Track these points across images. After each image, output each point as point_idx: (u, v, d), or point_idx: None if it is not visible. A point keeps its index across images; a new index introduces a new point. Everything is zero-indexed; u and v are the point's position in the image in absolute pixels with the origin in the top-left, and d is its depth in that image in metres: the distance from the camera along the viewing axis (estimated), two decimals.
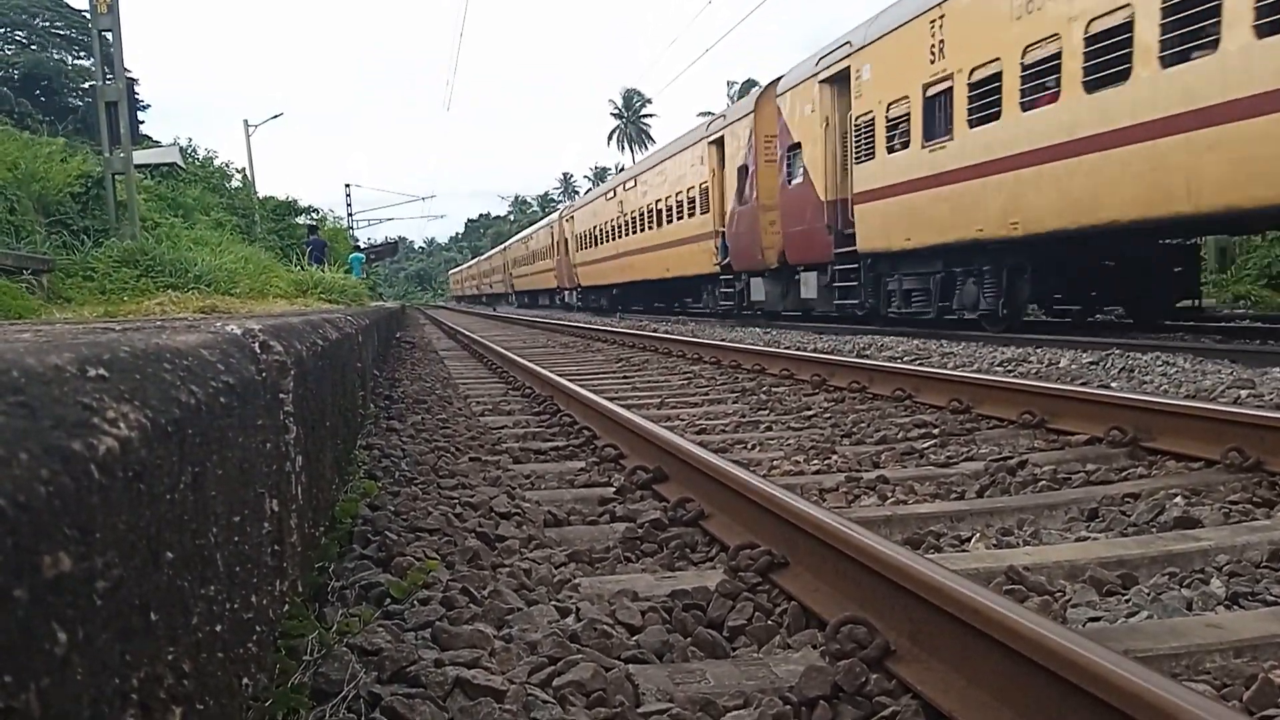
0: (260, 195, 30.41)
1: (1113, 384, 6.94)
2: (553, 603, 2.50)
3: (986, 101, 11.92)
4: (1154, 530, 3.14)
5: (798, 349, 10.80)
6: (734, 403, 6.85)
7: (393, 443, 5.02)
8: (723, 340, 12.51)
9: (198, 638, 1.03)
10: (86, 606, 0.72)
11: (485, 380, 9.25)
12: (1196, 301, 13.79)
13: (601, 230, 34.90)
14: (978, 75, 12.15)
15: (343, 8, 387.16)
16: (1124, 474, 3.98)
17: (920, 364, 8.50)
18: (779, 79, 18.94)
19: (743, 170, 20.22)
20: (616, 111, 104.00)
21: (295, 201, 31.92)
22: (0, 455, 0.66)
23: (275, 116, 45.67)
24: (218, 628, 1.13)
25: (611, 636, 2.23)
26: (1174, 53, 9.15)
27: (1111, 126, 9.83)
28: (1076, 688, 1.53)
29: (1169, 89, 9.14)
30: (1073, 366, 8.23)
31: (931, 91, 13.23)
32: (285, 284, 14.82)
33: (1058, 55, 10.63)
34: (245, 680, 1.28)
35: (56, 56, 46.93)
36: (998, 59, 11.67)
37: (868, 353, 10.56)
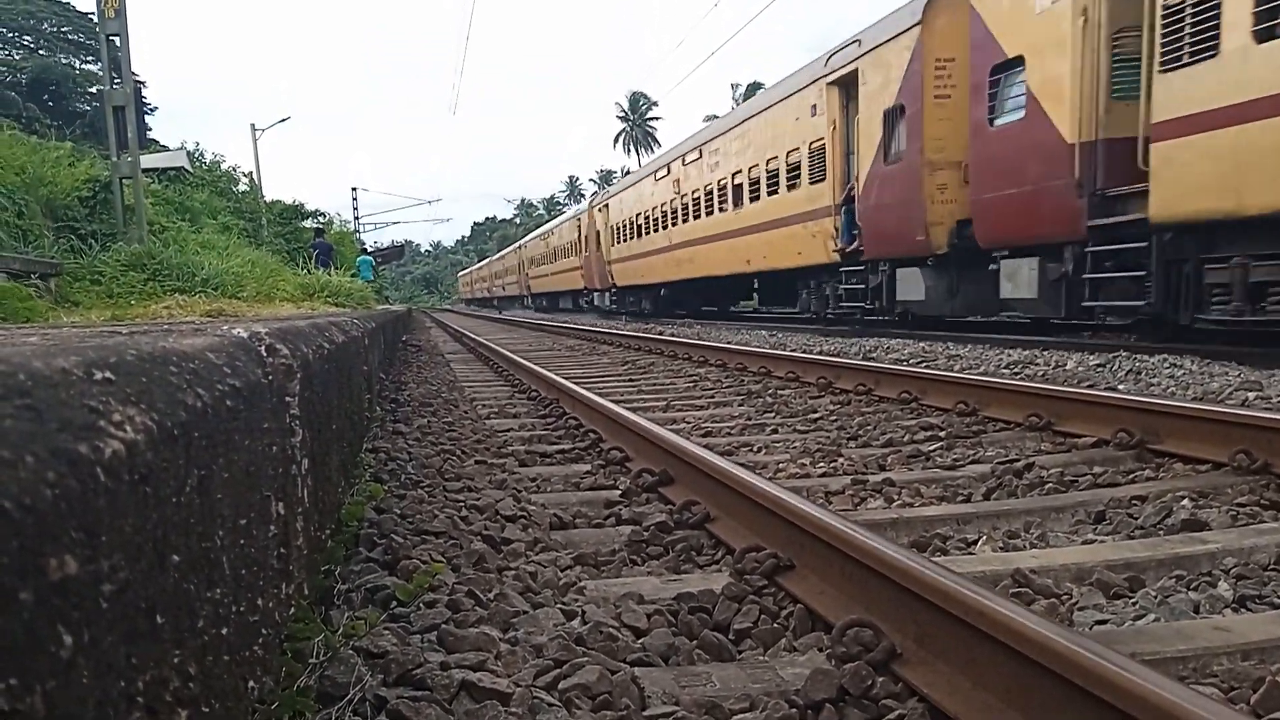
0: (267, 199, 30.47)
1: (1120, 386, 6.92)
2: (558, 606, 2.50)
3: None
4: (1161, 533, 3.13)
5: (804, 351, 10.79)
6: (740, 405, 6.85)
7: (399, 445, 5.03)
8: (728, 343, 12.49)
9: (204, 640, 1.03)
10: (92, 609, 0.72)
11: (491, 383, 9.25)
12: None
13: (648, 218, 29.20)
14: None
15: (349, 10, 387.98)
16: (1131, 476, 3.97)
17: (926, 366, 8.49)
18: None
19: (892, 115, 13.93)
20: (622, 114, 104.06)
21: (302, 205, 31.94)
22: (6, 458, 0.66)
23: (282, 120, 45.84)
24: (224, 630, 1.13)
25: (617, 639, 2.23)
26: None
27: None
28: (1083, 691, 1.52)
29: None
30: (1079, 369, 8.22)
31: None
32: (292, 287, 14.85)
33: None
34: (251, 683, 1.28)
35: (64, 61, 47.08)
36: None
37: (874, 355, 10.55)
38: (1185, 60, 8.64)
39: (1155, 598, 2.49)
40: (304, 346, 2.15)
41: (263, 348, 1.70)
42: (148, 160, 18.33)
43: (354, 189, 61.73)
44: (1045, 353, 9.72)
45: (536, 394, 7.48)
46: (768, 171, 19.41)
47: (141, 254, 11.74)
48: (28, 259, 9.92)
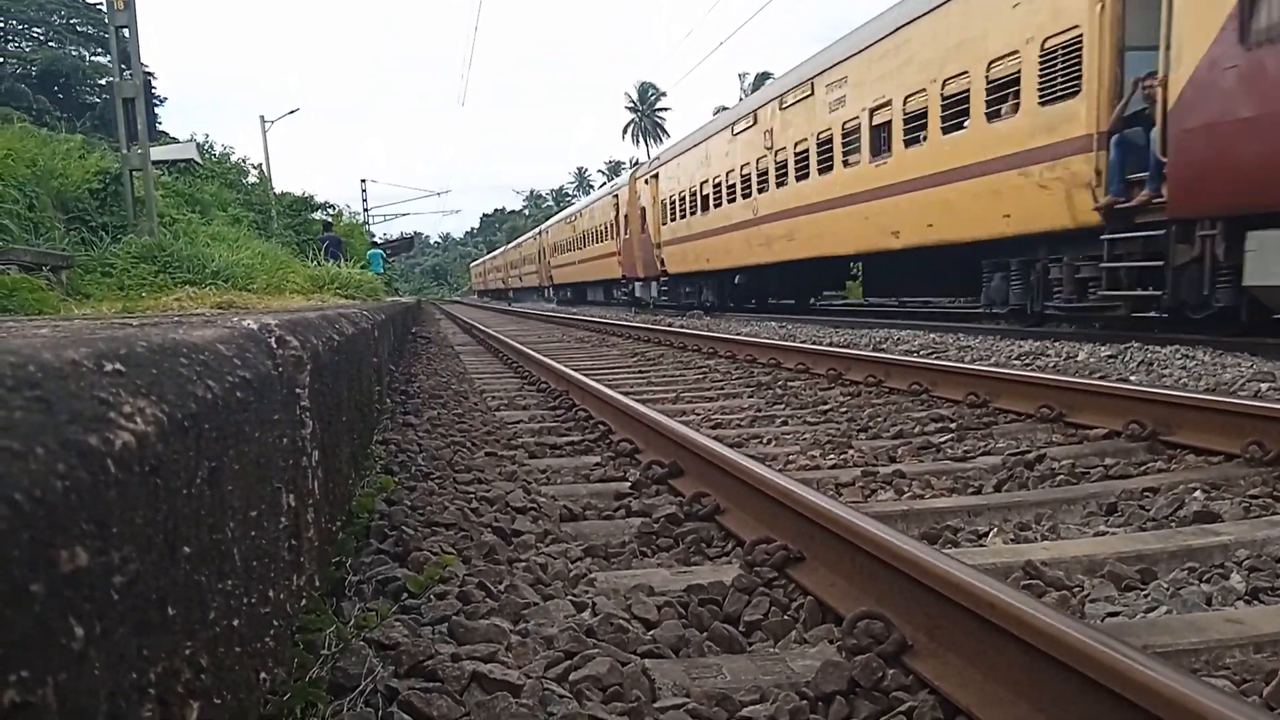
0: (277, 191, 30.52)
1: (1131, 377, 6.89)
2: (569, 597, 2.50)
3: None
4: (1173, 525, 3.12)
5: (813, 343, 10.77)
6: (749, 397, 6.84)
7: (409, 437, 5.04)
8: (738, 335, 12.48)
9: (215, 632, 1.03)
10: (103, 601, 0.72)
11: (501, 375, 9.26)
12: None
13: (718, 186, 23.28)
14: None
15: (358, 2, 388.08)
16: (1143, 468, 3.96)
17: (937, 358, 8.47)
18: None
19: None
20: (631, 105, 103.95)
21: (312, 197, 31.97)
22: (17, 449, 0.66)
23: (292, 112, 45.86)
24: (235, 622, 1.13)
25: (628, 631, 2.23)
26: None
27: None
28: (1095, 683, 1.52)
29: None
30: (1091, 360, 8.18)
31: None
32: (302, 279, 14.89)
33: None
34: (263, 674, 1.28)
35: (74, 53, 47.20)
36: None
37: (884, 347, 10.52)
38: None
39: (1167, 590, 2.48)
40: (314, 338, 2.15)
41: (273, 339, 1.70)
42: (158, 152, 18.37)
43: (363, 181, 61.61)
44: (1056, 344, 9.68)
45: (546, 386, 7.49)
46: (944, 98, 13.17)
47: (152, 246, 11.78)
48: (39, 251, 9.94)
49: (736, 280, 24.06)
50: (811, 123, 17.77)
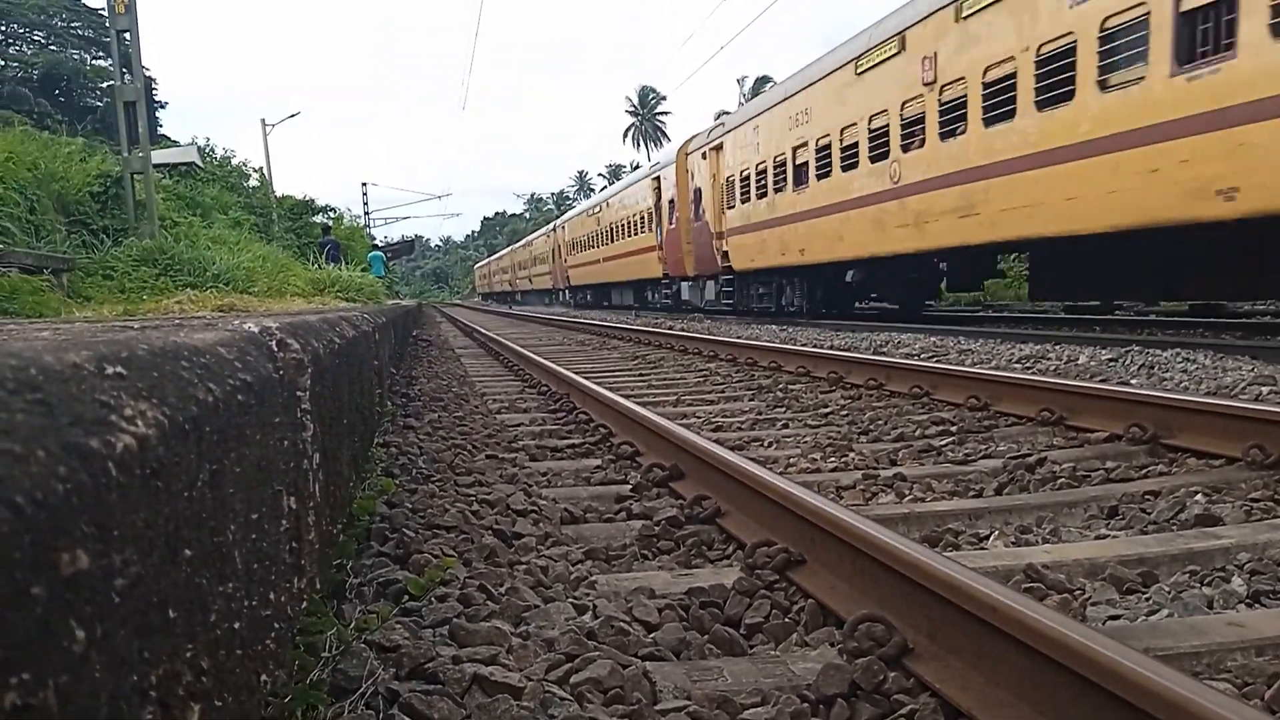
0: (278, 194, 30.54)
1: (1132, 381, 6.89)
2: (570, 600, 2.50)
3: None
4: (1174, 528, 3.11)
5: (814, 346, 10.77)
6: (750, 400, 6.84)
7: (410, 440, 5.04)
8: (739, 338, 12.49)
9: (216, 635, 1.03)
10: (104, 604, 0.72)
11: (501, 378, 9.26)
12: None
13: (824, 149, 16.97)
14: None
15: (359, 6, 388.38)
16: (1144, 471, 3.95)
17: (938, 361, 8.47)
18: None
19: None
20: (632, 109, 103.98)
21: (313, 200, 32.00)
22: (18, 452, 0.66)
23: (292, 115, 45.90)
24: (236, 625, 1.13)
25: (629, 634, 2.23)
26: None
27: None
28: (1097, 686, 1.52)
29: None
30: (1091, 363, 8.18)
31: None
32: (303, 282, 14.90)
33: None
34: (264, 677, 1.28)
35: (75, 56, 47.26)
36: None
37: (884, 350, 10.52)
38: None
39: (1168, 593, 2.48)
40: (315, 341, 2.15)
41: (274, 342, 1.70)
42: (159, 156, 18.38)
43: (364, 184, 61.62)
44: (1057, 347, 9.67)
45: (547, 389, 7.49)
46: None
47: (153, 249, 11.79)
48: (40, 254, 9.95)
49: (850, 277, 16.89)
50: (1026, 30, 11.31)
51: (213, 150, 30.05)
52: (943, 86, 13.27)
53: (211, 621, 1.02)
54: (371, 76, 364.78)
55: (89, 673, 0.68)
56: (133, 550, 0.79)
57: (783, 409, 6.27)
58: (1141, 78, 9.62)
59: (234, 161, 30.28)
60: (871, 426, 5.32)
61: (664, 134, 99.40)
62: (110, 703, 0.72)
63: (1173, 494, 3.47)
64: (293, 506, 1.62)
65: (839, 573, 2.44)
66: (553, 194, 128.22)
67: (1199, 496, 3.42)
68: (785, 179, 18.80)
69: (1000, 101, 11.94)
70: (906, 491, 3.77)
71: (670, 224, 27.08)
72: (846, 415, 5.80)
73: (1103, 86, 10.16)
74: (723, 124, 23.24)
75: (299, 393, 1.80)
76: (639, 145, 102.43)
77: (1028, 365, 8.32)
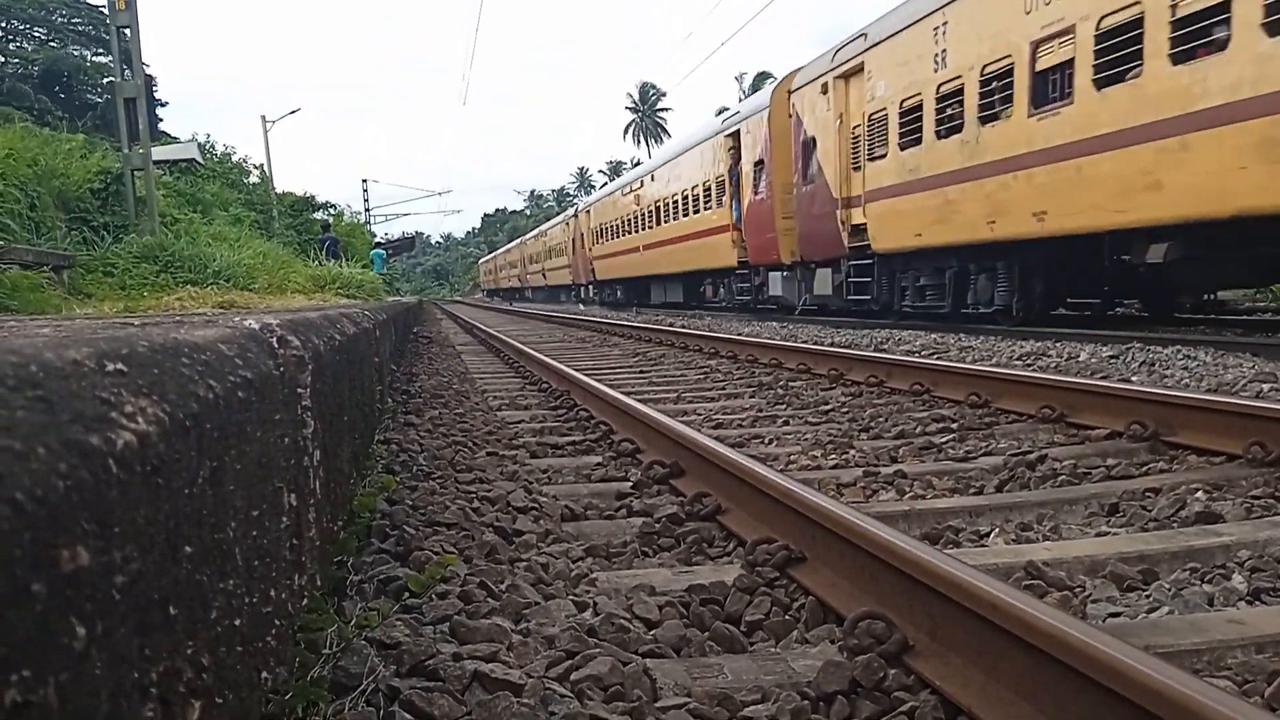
0: (278, 191, 30.54)
1: (1133, 378, 6.89)
2: (570, 597, 2.50)
3: None
4: (1175, 525, 3.11)
5: (815, 343, 10.76)
6: (750, 397, 6.84)
7: (410, 437, 5.04)
8: (739, 335, 12.48)
9: (217, 631, 1.03)
10: (105, 601, 0.72)
11: (502, 375, 9.26)
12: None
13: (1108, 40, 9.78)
14: None
15: (358, 2, 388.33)
16: (1145, 468, 3.95)
17: (938, 358, 8.47)
18: None
19: None
20: (632, 105, 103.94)
21: (313, 197, 31.98)
22: (18, 449, 0.66)
23: (293, 112, 45.98)
24: (237, 621, 1.13)
25: (629, 631, 2.23)
26: None
27: None
28: (1097, 683, 1.52)
29: None
30: (1092, 360, 8.18)
31: None
32: (303, 279, 14.92)
33: None
34: (265, 674, 1.28)
35: (75, 53, 47.19)
36: None
37: (885, 347, 10.52)
38: None
39: (1169, 590, 2.48)
40: (315, 338, 2.15)
41: (274, 339, 1.70)
42: (159, 152, 18.39)
43: (364, 180, 61.58)
44: (1058, 344, 9.67)
45: (547, 386, 7.48)
46: None
47: (153, 246, 11.80)
48: (41, 251, 9.96)
49: (1161, 255, 9.77)
50: None
51: (213, 147, 30.07)
52: None
53: (212, 618, 1.02)
54: (371, 73, 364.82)
55: (89, 670, 0.68)
56: (133, 547, 0.79)
57: (783, 406, 6.27)
58: None
59: (234, 158, 30.33)
60: (872, 424, 5.32)
61: (664, 130, 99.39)
62: (111, 700, 0.72)
63: (1173, 491, 3.47)
64: (293, 503, 1.62)
65: (839, 570, 2.44)
66: (553, 190, 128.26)
67: (1200, 494, 3.42)
68: (1010, 98, 11.58)
69: None
70: (907, 489, 3.77)
71: (756, 193, 19.94)
72: (847, 412, 5.80)
73: None
74: (863, 36, 15.36)
75: (299, 389, 1.80)
76: (639, 142, 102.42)
77: (1028, 362, 8.32)
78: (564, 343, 14.37)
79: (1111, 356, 8.34)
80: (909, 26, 13.87)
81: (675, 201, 26.56)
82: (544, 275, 52.84)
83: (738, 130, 21.32)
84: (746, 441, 4.94)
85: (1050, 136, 10.88)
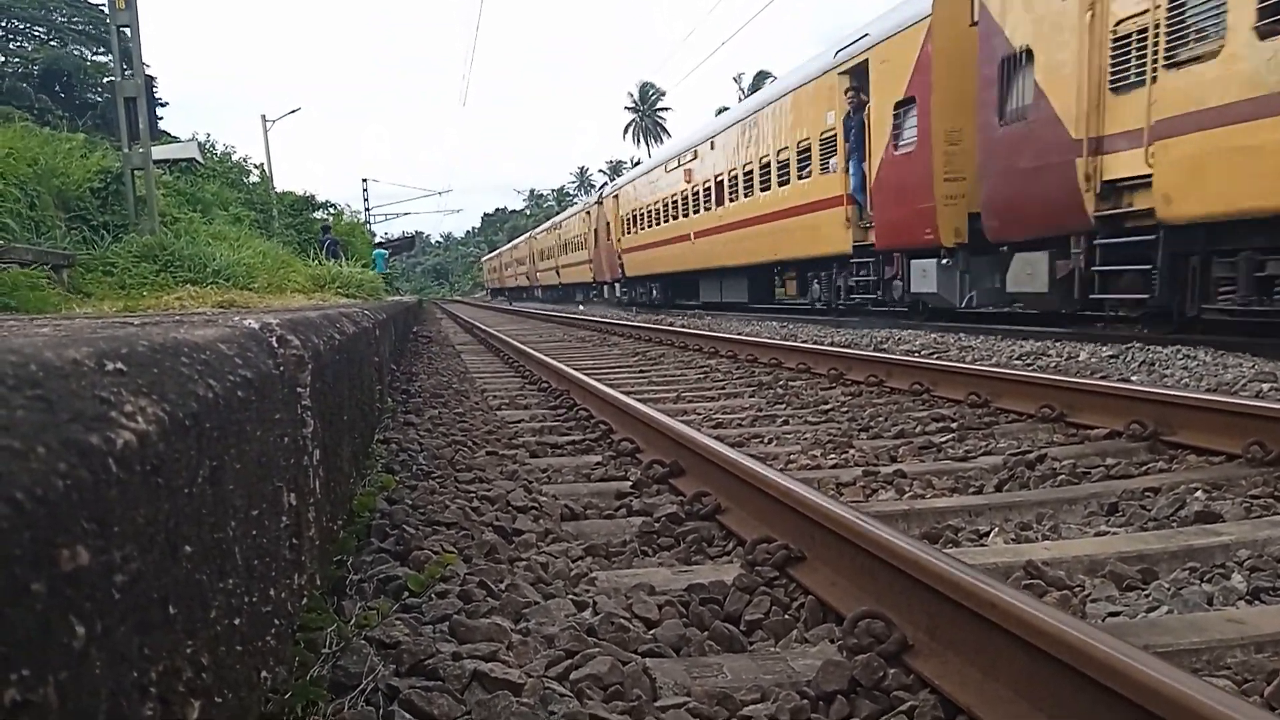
0: (278, 190, 30.51)
1: (1133, 377, 6.89)
2: (570, 596, 2.51)
3: None
4: (1174, 525, 3.12)
5: (814, 342, 10.76)
6: (750, 397, 6.84)
7: (410, 436, 5.04)
8: (739, 334, 12.48)
9: (216, 631, 1.03)
10: (104, 600, 0.72)
11: (501, 374, 9.26)
12: None
13: None
14: None
15: (359, 2, 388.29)
16: (1144, 468, 3.95)
17: (938, 358, 8.47)
18: None
19: None
20: (632, 105, 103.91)
21: (313, 196, 31.94)
22: (18, 449, 0.66)
23: (293, 111, 45.95)
24: (236, 621, 1.13)
25: (628, 630, 2.23)
26: None
27: None
28: (1096, 683, 1.52)
29: None
30: (1092, 360, 8.18)
31: None
32: (303, 279, 14.91)
33: None
34: (264, 673, 1.28)
35: (75, 52, 47.19)
36: None
37: (885, 346, 10.52)
38: None
39: (1168, 590, 2.48)
40: (315, 337, 2.15)
41: (274, 339, 1.70)
42: (159, 151, 18.38)
43: (364, 180, 61.52)
44: (1058, 344, 9.68)
45: (547, 385, 7.48)
46: None
47: (153, 245, 11.80)
48: (40, 250, 9.96)
49: None
50: None
51: (213, 146, 30.03)
52: None
53: (211, 618, 1.02)
54: (372, 72, 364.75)
55: (89, 669, 0.68)
56: (133, 546, 0.79)
57: (783, 406, 6.27)
58: None
59: (234, 157, 30.25)
60: (872, 423, 5.32)
61: (664, 130, 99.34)
62: (110, 699, 0.72)
63: (1173, 491, 3.47)
64: (293, 503, 1.62)
65: (839, 569, 2.44)
66: (553, 190, 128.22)
67: (1199, 493, 3.42)
68: None
69: None
70: (906, 488, 3.78)
71: (896, 147, 13.92)
72: (847, 412, 5.80)
73: None
74: None
75: (299, 389, 1.80)
76: (639, 141, 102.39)
77: (1028, 362, 8.32)
78: (564, 342, 14.37)
79: (1111, 356, 8.34)
80: None
81: (746, 173, 20.46)
82: (557, 273, 47.52)
83: (862, 63, 14.85)
84: (746, 441, 4.94)
85: None
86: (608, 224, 34.82)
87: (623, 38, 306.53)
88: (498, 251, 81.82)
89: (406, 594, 2.43)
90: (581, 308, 33.81)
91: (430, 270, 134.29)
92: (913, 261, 13.95)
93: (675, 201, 26.15)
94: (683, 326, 15.20)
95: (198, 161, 23.62)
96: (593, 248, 37.99)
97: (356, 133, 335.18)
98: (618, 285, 35.11)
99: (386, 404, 5.85)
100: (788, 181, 18.14)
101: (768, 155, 19.14)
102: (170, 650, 0.87)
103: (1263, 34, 7.68)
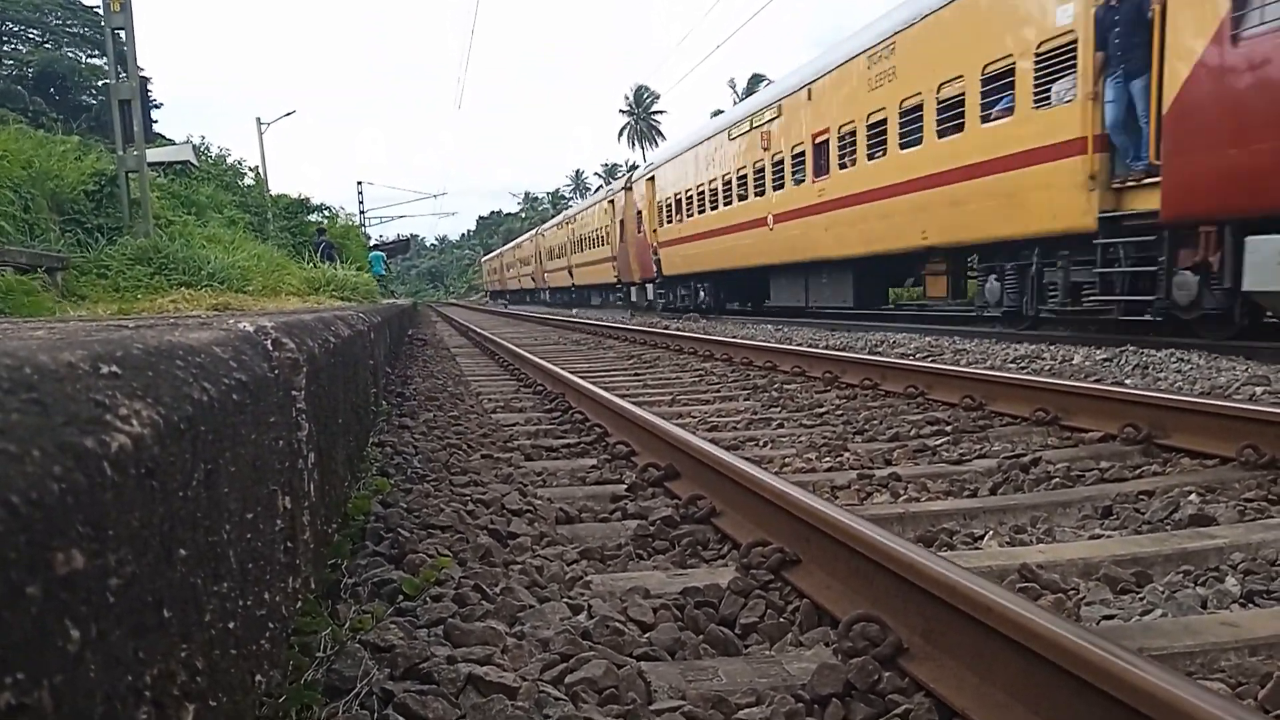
0: (273, 193, 30.47)
1: (1127, 381, 6.90)
2: (565, 600, 2.50)
3: None
4: (1168, 528, 3.12)
5: (809, 346, 10.77)
6: (745, 400, 6.84)
7: (405, 440, 5.03)
8: (734, 337, 12.49)
9: (211, 634, 1.03)
10: (99, 603, 0.72)
11: (497, 377, 9.25)
12: None
13: None
14: None
15: (354, 5, 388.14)
16: (1138, 471, 3.96)
17: (933, 361, 8.47)
18: None
19: None
20: (627, 108, 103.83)
21: (308, 199, 31.89)
22: (13, 452, 0.66)
23: (288, 114, 45.81)
24: (231, 624, 1.13)
25: (624, 634, 2.23)
26: None
27: None
28: (1090, 686, 1.52)
29: None
30: (1086, 363, 8.20)
31: None
32: (298, 281, 14.89)
33: None
34: (259, 677, 1.28)
35: (70, 55, 47.15)
36: None
37: (879, 350, 10.53)
38: None
39: (1162, 593, 2.48)
40: (310, 341, 2.14)
41: (269, 342, 1.69)
42: (154, 154, 18.37)
43: (359, 183, 61.36)
44: (1052, 347, 9.69)
45: (542, 388, 7.48)
46: None
47: (147, 248, 11.78)
48: (34, 253, 9.93)
49: None
50: None
51: (208, 149, 30.04)
52: None
53: (206, 621, 1.02)
54: (367, 77, 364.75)
55: (84, 672, 0.68)
56: (127, 550, 0.79)
57: (778, 409, 6.27)
58: None
59: (229, 160, 30.21)
60: (867, 426, 5.32)
61: (659, 133, 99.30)
62: (105, 702, 0.71)
63: (1167, 494, 3.47)
64: (288, 506, 1.62)
65: (834, 573, 2.44)
66: (548, 193, 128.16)
67: (1193, 496, 3.42)
68: None
69: None
70: (901, 491, 3.78)
71: (1237, 40, 7.96)
72: (842, 415, 5.81)
73: None
74: None
75: (294, 392, 1.79)
76: (634, 145, 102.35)
77: (1022, 365, 8.33)
78: (559, 345, 14.37)
79: (1105, 359, 8.36)
80: None
81: (872, 127, 14.68)
82: (570, 273, 41.87)
83: None
84: (741, 444, 4.94)
85: None
86: (638, 213, 28.94)
87: (618, 42, 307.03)
88: (497, 252, 76.92)
89: (401, 597, 2.42)
90: (575, 311, 29.55)
91: (425, 273, 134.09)
92: (1251, 240, 7.94)
93: (742, 177, 20.37)
94: (677, 330, 15.20)
95: (192, 164, 23.61)
96: (617, 242, 32.39)
97: (351, 136, 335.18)
98: (650, 286, 28.81)
99: (381, 407, 5.84)
100: (960, 128, 12.32)
101: (918, 95, 13.29)
102: (165, 654, 0.86)
103: None
